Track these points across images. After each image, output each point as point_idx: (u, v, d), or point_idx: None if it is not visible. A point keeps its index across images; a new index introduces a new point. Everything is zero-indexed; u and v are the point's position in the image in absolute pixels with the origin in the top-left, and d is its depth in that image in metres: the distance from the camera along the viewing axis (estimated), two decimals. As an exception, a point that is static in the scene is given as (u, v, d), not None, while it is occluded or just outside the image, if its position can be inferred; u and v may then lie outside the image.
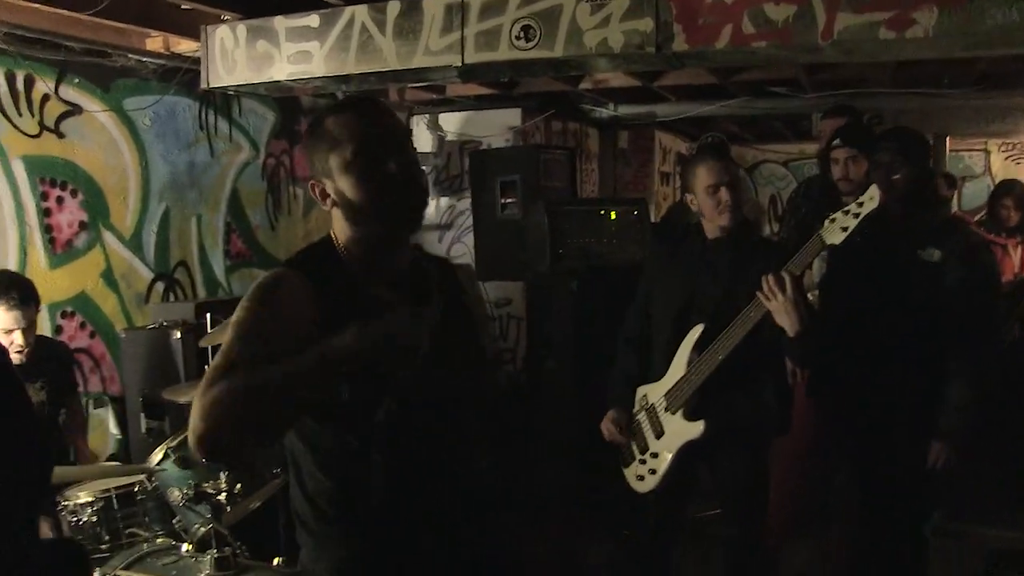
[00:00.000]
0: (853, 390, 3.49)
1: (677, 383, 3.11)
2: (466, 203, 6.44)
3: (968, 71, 5.37)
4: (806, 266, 2.93)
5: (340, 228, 1.78)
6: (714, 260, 3.18)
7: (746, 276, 3.07)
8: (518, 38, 3.50)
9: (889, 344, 3.35)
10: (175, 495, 3.22)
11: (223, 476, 3.22)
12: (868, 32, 3.07)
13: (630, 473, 3.31)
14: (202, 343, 3.86)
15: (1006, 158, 9.13)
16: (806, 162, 9.70)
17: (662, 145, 8.53)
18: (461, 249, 6.66)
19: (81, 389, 4.19)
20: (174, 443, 3.33)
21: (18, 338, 3.28)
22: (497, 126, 6.51)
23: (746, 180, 10.35)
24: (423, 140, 6.62)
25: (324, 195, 1.76)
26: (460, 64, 3.63)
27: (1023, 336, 4.09)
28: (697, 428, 3.07)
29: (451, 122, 6.70)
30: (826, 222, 2.90)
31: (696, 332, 3.08)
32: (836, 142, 3.94)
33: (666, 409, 3.14)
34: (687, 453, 3.12)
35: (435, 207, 6.74)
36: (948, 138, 6.89)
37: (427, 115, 6.68)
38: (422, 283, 1.85)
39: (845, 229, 2.84)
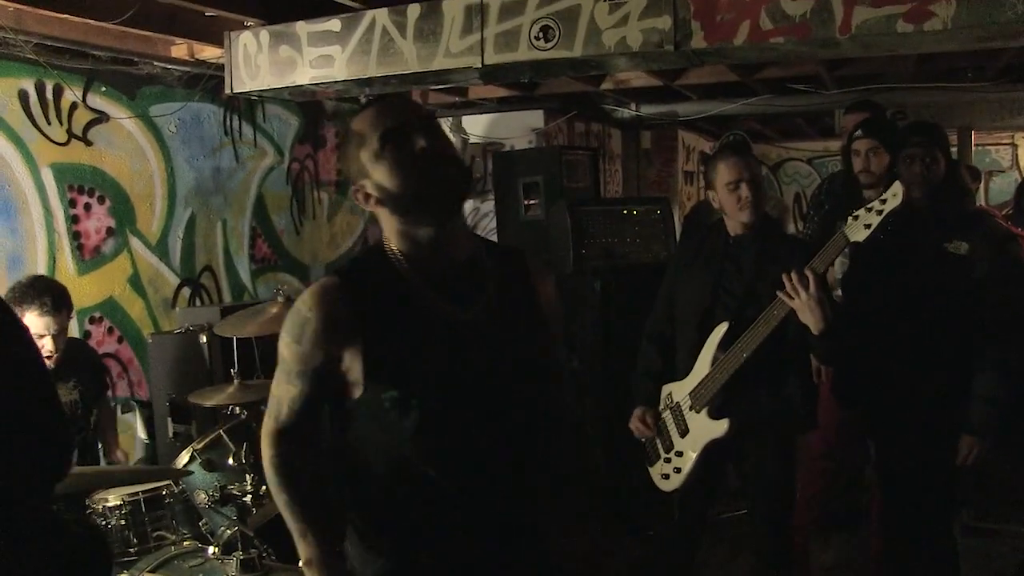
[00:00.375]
0: (879, 386, 3.46)
1: (702, 381, 3.10)
2: (490, 205, 6.45)
3: (991, 64, 5.32)
4: (829, 263, 2.91)
5: (389, 228, 1.77)
6: (737, 257, 3.17)
7: (770, 273, 3.06)
8: (537, 38, 3.52)
9: (916, 339, 3.32)
10: (201, 497, 3.25)
11: (248, 478, 3.26)
12: (886, 25, 3.05)
13: (655, 471, 3.31)
14: (218, 331, 3.89)
15: (1033, 151, 9.06)
16: (830, 159, 9.65)
17: (685, 144, 8.52)
18: (485, 251, 6.68)
19: (110, 393, 4.24)
20: (200, 446, 3.36)
21: (48, 344, 3.33)
22: (520, 128, 6.53)
23: (770, 178, 10.30)
24: (446, 143, 6.65)
25: (366, 196, 1.76)
26: (480, 65, 3.64)
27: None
28: (722, 427, 3.06)
29: (474, 124, 6.73)
30: (849, 219, 2.88)
31: (720, 330, 3.07)
32: (858, 133, 3.91)
33: (691, 408, 3.13)
34: (712, 452, 3.11)
35: (459, 209, 6.76)
36: (973, 132, 6.82)
37: (450, 118, 6.71)
38: (476, 279, 1.80)
39: (868, 226, 2.82)
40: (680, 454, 3.18)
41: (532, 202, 5.55)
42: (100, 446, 3.97)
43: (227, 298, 5.18)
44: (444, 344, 1.74)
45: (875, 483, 3.82)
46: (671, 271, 3.45)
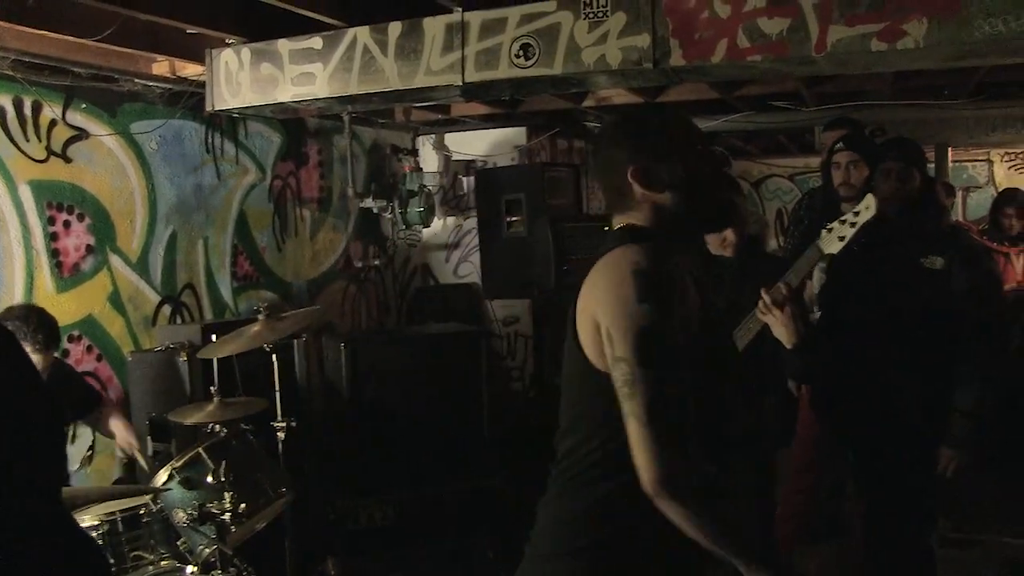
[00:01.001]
0: (857, 399, 3.49)
1: None
2: (472, 222, 6.47)
3: (966, 82, 5.39)
4: (804, 276, 2.94)
5: None
6: (718, 275, 3.20)
7: (750, 291, 3.09)
8: (517, 56, 3.54)
9: (893, 352, 3.35)
10: (180, 516, 3.23)
11: (228, 496, 3.25)
12: (860, 44, 3.09)
13: None
14: (201, 355, 3.88)
15: (1009, 167, 9.15)
16: (811, 175, 9.71)
17: (727, 167, 8.55)
18: (468, 268, 6.70)
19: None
20: (179, 464, 3.35)
21: None
22: (502, 145, 6.56)
23: (752, 194, 10.36)
24: (429, 160, 6.67)
25: None
26: (461, 83, 3.66)
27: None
28: None
29: (457, 142, 6.75)
30: (823, 232, 2.91)
31: None
32: (838, 146, 3.97)
33: None
34: None
35: (442, 226, 6.78)
36: (950, 149, 6.90)
37: (433, 135, 6.73)
38: None
39: (842, 238, 2.85)
40: None
41: (515, 219, 5.57)
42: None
43: (208, 316, 5.16)
44: None
45: (855, 495, 3.85)
46: None
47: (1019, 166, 8.93)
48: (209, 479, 3.32)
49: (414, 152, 6.55)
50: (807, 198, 4.97)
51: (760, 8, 3.21)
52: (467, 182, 6.66)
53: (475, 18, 3.63)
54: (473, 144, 6.67)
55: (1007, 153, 9.19)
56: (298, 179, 5.90)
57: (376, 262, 6.44)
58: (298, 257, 5.90)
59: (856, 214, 2.85)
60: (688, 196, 1.88)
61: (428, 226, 6.53)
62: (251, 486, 3.39)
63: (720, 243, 3.19)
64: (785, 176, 10.30)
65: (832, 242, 2.88)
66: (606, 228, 4.97)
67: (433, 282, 6.96)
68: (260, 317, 3.75)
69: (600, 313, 1.75)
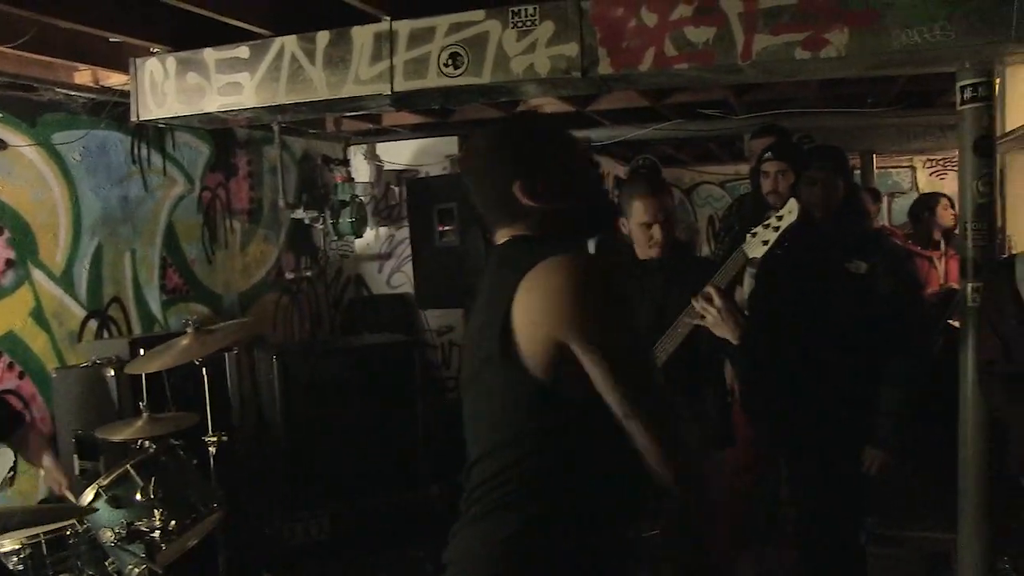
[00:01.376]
0: (785, 401, 3.55)
1: None
2: (405, 232, 6.45)
3: (888, 90, 5.54)
4: (729, 278, 2.99)
5: None
6: (646, 281, 3.22)
7: (678, 296, 3.12)
8: (446, 65, 3.54)
9: (819, 355, 3.42)
10: (107, 536, 3.15)
11: (157, 514, 3.17)
12: (785, 52, 3.16)
13: None
14: (129, 369, 3.79)
15: (931, 174, 9.43)
16: (742, 182, 9.89)
17: (600, 169, 8.63)
18: (401, 279, 6.67)
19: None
20: (106, 482, 3.25)
21: None
22: (434, 155, 6.54)
23: (684, 201, 10.52)
24: (361, 170, 6.62)
25: None
26: (390, 92, 3.65)
27: (948, 347, 4.19)
28: None
29: (389, 152, 6.72)
30: (747, 236, 2.96)
31: None
32: (767, 155, 4.05)
33: None
34: None
35: (374, 237, 6.74)
36: (875, 156, 7.09)
37: (364, 145, 6.69)
38: None
39: (766, 242, 2.91)
40: None
41: (447, 228, 5.56)
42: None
43: (137, 330, 5.04)
44: None
45: (788, 499, 3.91)
46: None
47: (940, 172, 9.21)
48: (138, 497, 3.24)
49: (345, 162, 6.50)
50: (737, 204, 5.05)
51: (686, 17, 3.26)
52: (399, 192, 6.63)
53: (404, 27, 3.62)
54: (405, 154, 6.64)
55: (928, 159, 9.48)
56: (228, 190, 5.81)
57: (308, 273, 6.38)
58: (229, 269, 5.80)
59: (779, 218, 2.90)
60: (572, 202, 1.90)
61: (360, 236, 6.49)
62: (181, 503, 3.32)
63: (647, 241, 3.20)
64: (716, 183, 10.47)
65: (756, 246, 2.93)
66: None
67: (366, 292, 6.91)
68: (189, 331, 3.68)
69: (570, 334, 1.70)
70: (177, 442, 3.55)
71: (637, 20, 3.31)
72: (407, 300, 6.49)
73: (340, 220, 6.22)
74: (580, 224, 1.96)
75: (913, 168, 9.37)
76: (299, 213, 6.05)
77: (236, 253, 5.87)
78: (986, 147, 3.34)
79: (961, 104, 3.39)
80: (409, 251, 6.32)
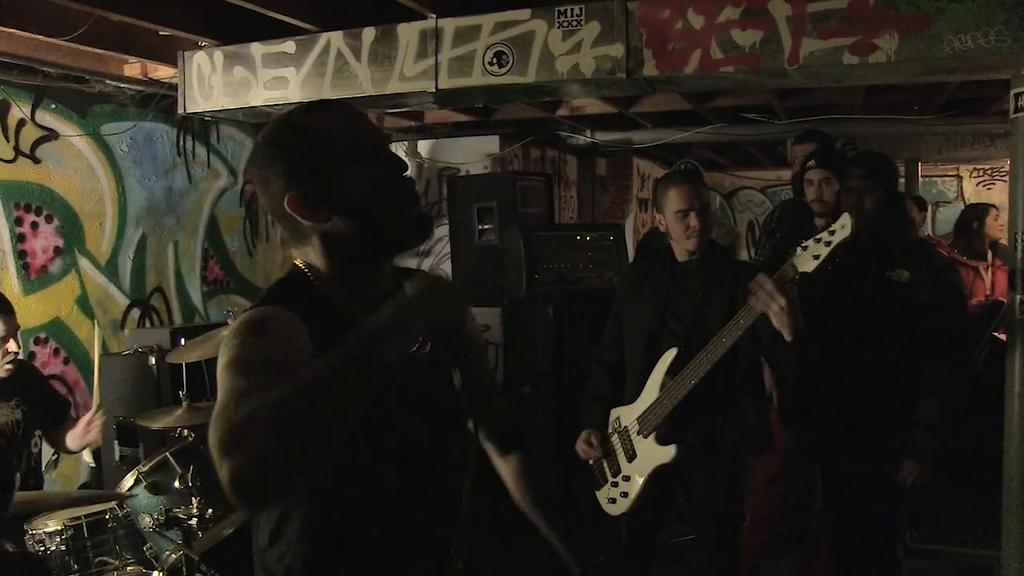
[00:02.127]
0: (824, 411, 3.51)
1: (650, 407, 3.10)
2: (444, 230, 6.45)
3: (935, 98, 5.46)
4: (792, 279, 2.92)
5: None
6: (684, 283, 3.20)
7: (716, 299, 3.09)
8: (491, 64, 3.55)
9: (859, 364, 3.38)
10: (146, 521, 3.20)
11: (195, 501, 3.21)
12: (832, 57, 3.12)
13: (602, 495, 3.30)
14: (170, 358, 3.84)
15: (977, 183, 9.26)
16: (783, 188, 9.80)
17: (640, 171, 8.61)
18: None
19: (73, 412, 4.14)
20: (146, 468, 3.30)
21: (11, 346, 3.30)
22: (475, 153, 6.56)
23: (724, 206, 10.44)
24: (401, 167, 6.64)
25: None
26: (434, 90, 3.66)
27: (992, 359, 4.13)
28: (669, 452, 3.06)
29: (429, 149, 6.75)
30: (798, 249, 2.91)
31: (669, 356, 3.08)
32: (811, 163, 4.00)
33: (638, 432, 3.14)
34: (660, 477, 3.12)
35: (414, 233, 6.76)
36: (920, 164, 6.99)
37: (406, 142, 6.72)
38: None
39: (817, 257, 2.85)
40: (627, 478, 3.18)
41: (487, 227, 5.57)
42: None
43: (177, 320, 5.12)
44: None
45: (822, 506, 3.87)
46: (619, 296, 3.47)
47: (987, 182, 9.06)
48: (176, 484, 3.28)
49: (387, 159, 6.53)
50: (778, 211, 4.99)
51: (733, 20, 3.24)
52: (439, 189, 6.65)
53: (449, 25, 3.63)
54: (446, 152, 6.66)
55: (975, 169, 9.32)
56: (270, 184, 5.86)
57: (347, 268, 6.41)
58: (269, 262, 5.86)
59: (831, 233, 2.85)
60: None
61: (401, 232, 6.50)
62: (218, 492, 3.35)
63: (684, 232, 3.15)
64: (757, 188, 10.38)
65: (807, 260, 2.87)
66: (577, 237, 5.02)
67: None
68: (230, 321, 3.71)
69: None
70: (216, 431, 3.57)
71: (683, 22, 3.30)
72: (445, 296, 6.50)
73: (380, 216, 6.24)
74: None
75: (959, 177, 9.22)
76: (340, 209, 6.08)
77: (277, 247, 5.93)
78: (1040, 157, 3.28)
79: (1015, 112, 3.33)
80: (448, 248, 6.33)
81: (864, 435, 3.41)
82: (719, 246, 3.41)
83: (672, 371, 3.06)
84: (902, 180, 7.11)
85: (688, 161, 5.25)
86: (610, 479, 3.24)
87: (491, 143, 6.55)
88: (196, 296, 5.29)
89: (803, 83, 3.69)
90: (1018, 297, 3.34)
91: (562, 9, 3.44)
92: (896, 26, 3.03)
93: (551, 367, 4.94)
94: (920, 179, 7.51)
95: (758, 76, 3.34)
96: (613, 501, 3.24)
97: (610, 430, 3.28)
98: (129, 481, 3.31)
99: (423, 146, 6.77)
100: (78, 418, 3.77)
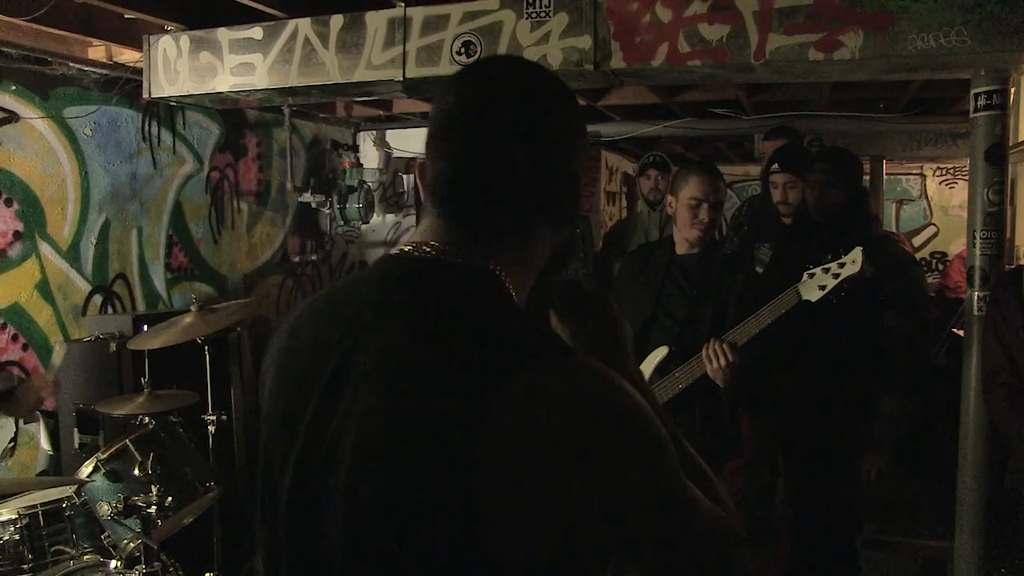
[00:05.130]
0: (786, 405, 3.55)
1: None
2: (412, 220, 6.44)
3: (901, 96, 5.53)
4: (750, 335, 2.93)
5: None
6: (680, 276, 3.20)
7: (711, 299, 3.11)
8: (459, 53, 3.54)
9: (822, 358, 3.42)
10: (104, 509, 3.17)
11: (155, 489, 3.19)
12: (798, 53, 3.15)
13: None
14: (132, 345, 3.80)
15: (940, 182, 9.39)
16: (751, 183, 9.87)
17: (608, 164, 8.62)
18: (407, 265, 6.65)
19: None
20: (104, 456, 3.27)
21: None
22: (444, 143, 6.52)
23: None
24: (370, 156, 6.62)
25: None
26: (402, 78, 3.64)
27: (950, 360, 4.20)
28: None
29: (398, 139, 6.72)
30: (804, 275, 2.91)
31: (660, 354, 3.09)
32: (775, 167, 4.04)
33: None
34: None
35: (381, 223, 6.74)
36: (885, 161, 7.06)
37: (374, 131, 6.69)
38: None
39: (823, 287, 2.87)
40: None
41: (453, 218, 5.54)
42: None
43: (141, 307, 5.06)
44: None
45: (784, 498, 3.91)
46: (616, 284, 3.47)
47: (949, 181, 9.19)
48: (136, 472, 3.25)
49: (355, 148, 6.51)
50: (746, 205, 5.05)
51: (701, 14, 3.25)
52: (407, 179, 6.63)
53: (417, 14, 3.62)
54: (414, 142, 6.64)
55: (939, 168, 9.45)
56: (236, 171, 5.81)
57: (313, 257, 6.38)
58: (234, 250, 5.81)
59: (841, 265, 2.87)
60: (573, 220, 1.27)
61: (367, 222, 6.49)
62: (179, 479, 3.33)
63: (691, 221, 3.13)
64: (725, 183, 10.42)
65: (812, 289, 2.89)
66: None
67: (372, 279, 6.90)
68: (193, 309, 3.69)
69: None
70: (176, 420, 3.56)
71: (651, 15, 3.31)
72: (411, 287, 6.48)
73: (347, 205, 6.22)
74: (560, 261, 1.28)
75: (923, 176, 9.35)
76: (306, 197, 6.06)
77: (242, 234, 5.88)
78: (998, 155, 3.33)
79: (975, 111, 3.38)
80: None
81: (827, 427, 3.45)
82: (719, 244, 3.40)
83: (660, 369, 3.08)
84: (867, 177, 7.18)
85: (656, 154, 5.26)
86: None
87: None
88: (160, 283, 5.23)
89: (769, 78, 3.72)
90: (976, 294, 3.39)
91: (531, 0, 3.44)
92: (861, 23, 3.06)
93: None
94: (885, 177, 7.60)
95: (724, 71, 3.35)
96: None
97: None
98: (88, 468, 3.28)
99: (392, 136, 6.74)
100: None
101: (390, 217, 6.77)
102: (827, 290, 2.87)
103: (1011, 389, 3.08)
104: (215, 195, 5.62)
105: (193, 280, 5.46)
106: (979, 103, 3.35)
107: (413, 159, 6.66)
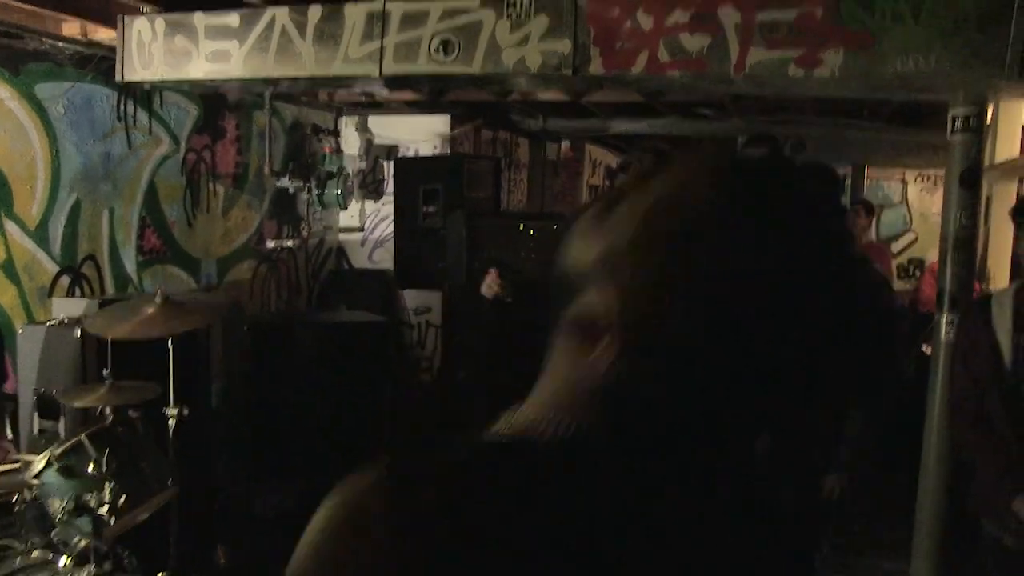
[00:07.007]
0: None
1: None
2: (390, 208, 6.39)
3: (885, 105, 5.51)
4: None
5: None
6: None
7: None
8: (437, 51, 3.48)
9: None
10: (56, 505, 3.10)
11: (107, 487, 3.13)
12: (778, 68, 3.11)
13: None
14: (89, 328, 3.70)
15: (921, 189, 9.39)
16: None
17: (592, 158, 8.58)
18: (383, 255, 6.61)
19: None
20: (58, 451, 3.20)
21: None
22: (426, 132, 6.47)
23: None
24: (351, 142, 6.55)
25: None
26: (379, 74, 3.58)
27: (919, 376, 4.19)
28: None
29: (380, 125, 6.65)
30: None
31: None
32: None
33: None
34: None
35: (359, 211, 6.68)
36: (867, 167, 7.07)
37: (356, 117, 6.61)
38: None
39: None
40: None
41: (431, 209, 5.51)
42: None
43: (110, 289, 4.98)
44: None
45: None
46: None
47: (930, 188, 9.18)
48: (90, 468, 3.18)
49: (335, 133, 6.43)
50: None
51: (683, 23, 3.20)
52: (387, 167, 6.57)
53: (396, 8, 3.55)
54: (396, 129, 6.57)
55: (920, 174, 9.44)
56: (213, 153, 5.73)
57: (289, 243, 6.31)
58: (209, 233, 5.74)
59: None
60: None
61: (345, 208, 6.42)
62: (134, 477, 3.28)
63: None
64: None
65: None
66: (521, 225, 4.99)
67: (347, 266, 6.86)
68: (157, 300, 3.61)
69: None
70: (136, 414, 3.50)
71: (632, 22, 3.26)
72: (387, 277, 6.43)
73: (325, 191, 6.15)
74: None
75: (904, 182, 9.34)
76: (284, 182, 5.98)
77: (217, 218, 5.81)
78: (972, 179, 3.32)
79: (951, 133, 3.36)
80: (392, 228, 6.27)
81: (787, 448, 3.44)
82: None
83: None
84: (849, 183, 7.19)
85: (633, 156, 5.19)
86: None
87: (443, 123, 6.48)
88: (131, 265, 5.15)
89: (749, 91, 3.69)
90: (945, 317, 3.38)
91: (511, 0, 3.38)
92: (842, 41, 3.03)
93: (488, 354, 4.93)
94: (866, 181, 7.61)
95: (704, 81, 3.32)
96: None
97: None
98: (40, 464, 3.20)
99: (374, 122, 6.66)
100: None
101: (369, 204, 6.70)
102: None
103: (976, 417, 3.07)
104: (191, 177, 5.54)
105: (166, 263, 5.39)
106: (956, 125, 3.33)
107: (394, 147, 6.59)
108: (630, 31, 3.26)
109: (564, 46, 3.34)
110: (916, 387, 3.94)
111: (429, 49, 3.49)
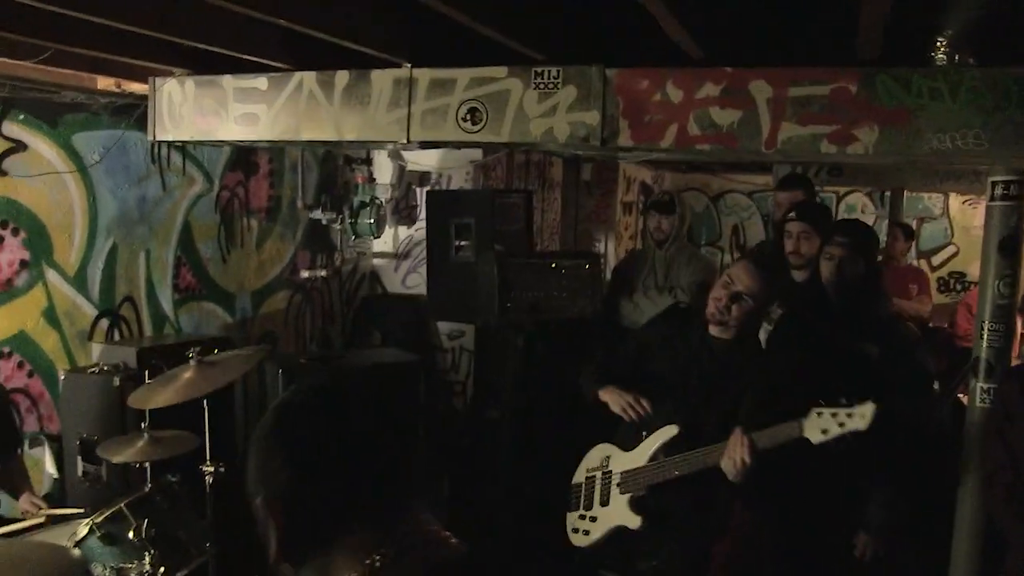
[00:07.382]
0: (782, 483, 3.51)
1: (636, 469, 3.18)
2: (422, 234, 6.41)
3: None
4: (775, 444, 2.91)
5: None
6: (707, 360, 3.20)
7: (730, 392, 3.10)
8: (464, 120, 3.47)
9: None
10: (98, 571, 3.19)
11: (147, 556, 3.21)
12: (810, 143, 3.05)
13: (570, 520, 3.46)
14: (133, 403, 3.75)
15: (963, 202, 9.20)
16: (769, 194, 9.72)
17: (626, 175, 8.52)
18: (416, 279, 6.64)
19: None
20: (99, 519, 3.27)
21: None
22: (458, 158, 6.47)
23: (710, 208, 10.38)
24: (383, 170, 6.57)
25: None
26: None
27: (953, 426, 4.14)
28: (635, 521, 3.20)
29: (413, 153, 6.65)
30: (812, 411, 2.87)
31: (668, 433, 3.14)
32: (791, 215, 3.98)
33: (618, 485, 3.22)
34: (622, 534, 3.23)
35: (392, 236, 6.71)
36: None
37: (389, 145, 6.61)
38: None
39: (825, 432, 2.83)
40: (594, 519, 3.32)
41: (463, 243, 5.51)
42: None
43: (148, 330, 5.07)
44: None
45: None
46: (640, 337, 3.53)
47: (974, 202, 9.00)
48: (130, 535, 3.27)
49: (368, 162, 6.45)
50: (756, 251, 4.98)
51: (713, 97, 3.16)
52: (420, 193, 6.58)
53: (424, 75, 3.54)
54: (429, 155, 6.57)
55: (962, 188, 9.28)
56: (247, 188, 5.78)
57: (323, 272, 6.36)
58: (243, 268, 5.80)
59: (849, 416, 2.82)
60: None
61: (378, 237, 6.47)
62: (173, 544, 3.35)
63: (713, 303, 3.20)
64: (744, 192, 10.27)
65: (815, 430, 2.85)
66: (553, 264, 4.97)
67: (381, 290, 6.89)
68: (192, 364, 3.66)
69: None
70: (175, 478, 3.57)
71: (662, 95, 3.22)
72: (421, 302, 6.45)
73: (359, 220, 6.19)
74: None
75: (945, 195, 9.17)
76: (317, 214, 6.03)
77: (251, 251, 5.86)
78: (1011, 247, 3.26)
79: (991, 200, 3.30)
80: (425, 253, 6.28)
81: (820, 507, 3.43)
82: (752, 336, 3.33)
83: (667, 448, 3.12)
84: (888, 200, 7.04)
85: (663, 194, 5.12)
86: (581, 509, 3.36)
87: (476, 150, 6.46)
88: (167, 305, 5.23)
89: (780, 161, 3.63)
90: (980, 385, 3.34)
91: (539, 70, 3.35)
92: (877, 119, 2.96)
93: (518, 394, 4.96)
94: (906, 194, 7.48)
95: (735, 154, 3.28)
96: (576, 531, 3.42)
97: (597, 465, 3.34)
98: (83, 531, 3.28)
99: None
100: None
101: (402, 230, 6.73)
102: (828, 437, 2.82)
103: (1011, 489, 3.04)
104: (225, 213, 5.60)
105: (201, 300, 5.47)
106: (996, 192, 3.27)
107: (427, 173, 6.60)
108: (659, 103, 3.23)
109: (592, 117, 3.31)
110: (951, 439, 3.90)
111: (457, 117, 3.48)
